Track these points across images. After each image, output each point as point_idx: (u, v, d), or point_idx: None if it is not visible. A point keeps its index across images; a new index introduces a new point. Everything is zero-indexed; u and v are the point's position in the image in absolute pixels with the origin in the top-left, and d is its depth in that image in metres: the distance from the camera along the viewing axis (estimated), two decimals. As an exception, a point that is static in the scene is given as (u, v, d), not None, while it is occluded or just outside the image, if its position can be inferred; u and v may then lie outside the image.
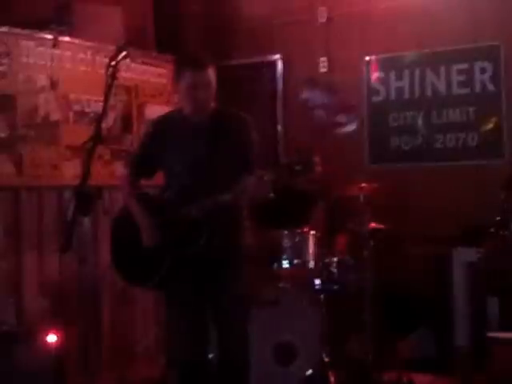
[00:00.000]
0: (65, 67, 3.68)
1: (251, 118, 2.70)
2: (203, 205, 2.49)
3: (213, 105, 2.64)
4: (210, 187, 2.50)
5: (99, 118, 2.30)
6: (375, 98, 4.42)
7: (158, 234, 2.57)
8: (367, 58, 4.43)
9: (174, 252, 2.53)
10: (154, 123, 2.77)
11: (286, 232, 3.48)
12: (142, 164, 2.72)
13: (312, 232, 3.49)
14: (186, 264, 2.56)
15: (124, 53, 2.17)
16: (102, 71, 2.28)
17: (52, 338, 2.76)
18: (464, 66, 4.17)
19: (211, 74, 2.57)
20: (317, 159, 3.89)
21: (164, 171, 2.73)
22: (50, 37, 3.62)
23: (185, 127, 2.61)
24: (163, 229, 2.56)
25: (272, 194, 2.43)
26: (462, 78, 4.18)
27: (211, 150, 2.58)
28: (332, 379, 3.26)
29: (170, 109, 3.04)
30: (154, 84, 4.21)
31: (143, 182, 2.78)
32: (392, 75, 4.37)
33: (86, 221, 1.98)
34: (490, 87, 4.10)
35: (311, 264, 3.46)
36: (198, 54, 2.64)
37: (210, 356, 2.69)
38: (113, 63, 2.14)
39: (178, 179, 2.61)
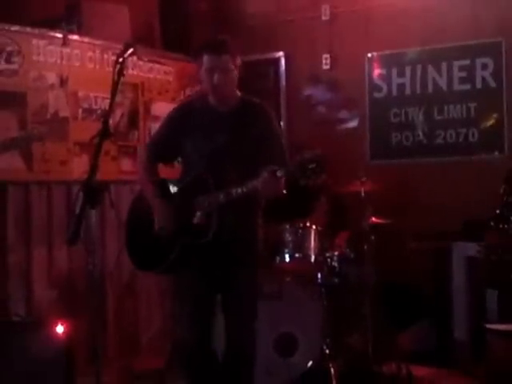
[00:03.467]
0: (74, 65, 3.75)
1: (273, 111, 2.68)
2: (217, 197, 2.46)
3: (237, 93, 2.63)
4: (227, 179, 2.49)
5: (106, 114, 2.33)
6: (377, 94, 4.46)
7: (171, 218, 2.53)
8: (369, 55, 4.47)
9: (184, 240, 2.51)
10: (177, 108, 2.74)
11: (287, 226, 3.48)
12: (159, 149, 2.69)
13: (313, 226, 3.49)
14: (195, 253, 2.54)
15: (131, 50, 2.16)
16: (110, 69, 2.28)
17: (60, 328, 2.82)
18: (465, 62, 4.19)
19: (229, 59, 2.54)
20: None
21: (182, 159, 2.71)
22: (59, 35, 3.69)
23: (207, 115, 2.59)
24: (176, 215, 2.54)
25: (285, 192, 2.42)
26: (463, 74, 4.21)
27: (231, 141, 2.54)
28: (332, 371, 3.25)
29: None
30: (160, 81, 4.27)
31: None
32: (394, 72, 4.40)
33: (93, 214, 2.01)
34: (491, 83, 4.13)
35: (313, 258, 3.46)
36: (216, 39, 2.63)
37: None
38: (120, 60, 2.13)
39: (196, 168, 2.58)
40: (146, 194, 2.65)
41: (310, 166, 2.26)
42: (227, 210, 2.48)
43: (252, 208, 2.63)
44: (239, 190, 2.42)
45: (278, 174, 2.33)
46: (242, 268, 2.59)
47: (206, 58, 2.55)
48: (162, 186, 2.67)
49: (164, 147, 2.70)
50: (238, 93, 2.67)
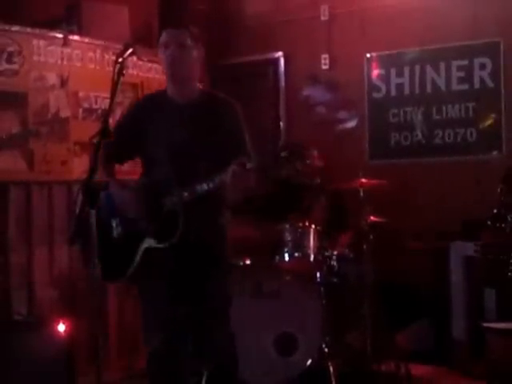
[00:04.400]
0: (74, 65, 3.76)
1: (240, 105, 2.49)
2: (181, 195, 2.29)
3: (198, 85, 2.47)
4: (191, 176, 2.31)
5: (106, 113, 2.30)
6: (376, 95, 4.47)
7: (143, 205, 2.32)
8: (368, 55, 4.48)
9: (149, 242, 2.32)
10: (137, 103, 2.60)
11: (287, 226, 3.49)
12: (116, 146, 2.44)
13: (313, 226, 3.50)
14: (159, 259, 2.36)
15: (130, 50, 2.13)
16: (110, 69, 2.26)
17: (61, 328, 2.83)
18: (464, 62, 4.20)
19: (188, 36, 2.39)
20: (313, 152, 3.96)
21: (142, 158, 2.52)
22: (60, 36, 3.70)
23: (166, 108, 2.41)
24: (139, 216, 2.34)
25: (266, 187, 2.30)
26: (461, 74, 4.21)
27: (193, 136, 2.36)
28: (331, 369, 3.27)
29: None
30: (159, 81, 4.24)
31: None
32: (392, 72, 4.42)
33: (93, 214, 1.99)
34: (490, 83, 4.13)
35: (312, 257, 3.47)
36: (174, 15, 2.58)
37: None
38: (120, 60, 2.11)
39: (158, 167, 2.40)
40: (112, 188, 2.45)
41: (283, 155, 2.12)
42: (193, 210, 2.31)
43: (219, 207, 2.46)
44: (205, 186, 2.26)
45: (248, 165, 2.14)
46: (211, 275, 2.41)
47: (163, 34, 2.41)
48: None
49: (119, 146, 2.47)
50: (200, 85, 2.51)
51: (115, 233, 2.45)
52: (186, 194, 2.30)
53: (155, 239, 2.34)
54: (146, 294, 2.51)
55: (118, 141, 2.41)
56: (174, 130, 2.40)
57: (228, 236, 2.53)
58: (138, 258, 2.37)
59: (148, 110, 2.47)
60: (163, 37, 2.40)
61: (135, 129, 2.48)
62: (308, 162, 3.85)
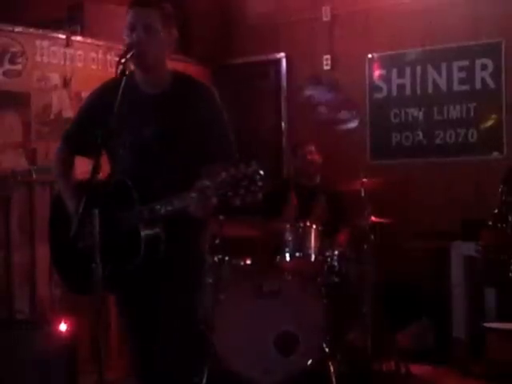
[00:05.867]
0: (77, 66, 3.78)
1: (216, 90, 2.17)
2: (141, 214, 1.97)
3: (168, 69, 2.14)
4: (160, 178, 2.05)
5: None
6: (377, 95, 4.49)
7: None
8: (369, 56, 4.49)
9: (108, 265, 1.90)
10: (99, 89, 2.20)
11: (288, 225, 3.51)
12: (77, 138, 2.18)
13: (314, 226, 3.51)
14: (120, 281, 2.05)
15: (133, 51, 1.99)
16: (113, 70, 2.17)
17: (63, 327, 2.85)
18: (465, 62, 4.21)
19: (157, 17, 2.05)
20: (310, 147, 3.94)
21: (106, 151, 2.12)
22: (62, 36, 3.72)
23: (132, 98, 2.04)
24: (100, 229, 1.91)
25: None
26: (462, 74, 4.23)
27: (163, 133, 2.07)
28: (332, 369, 3.27)
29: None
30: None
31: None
32: (394, 72, 4.43)
33: (96, 213, 1.95)
34: (491, 84, 4.14)
35: (313, 257, 3.48)
36: None
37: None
38: (122, 61, 1.99)
39: (122, 165, 2.12)
40: (64, 197, 2.20)
41: (243, 184, 1.79)
42: (166, 226, 2.01)
43: (190, 223, 2.04)
44: (163, 209, 1.94)
45: (208, 193, 1.84)
46: (174, 307, 2.11)
47: (129, 13, 2.07)
48: (82, 188, 2.08)
49: (81, 136, 2.16)
50: (169, 69, 2.16)
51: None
52: (145, 213, 1.99)
53: (116, 262, 2.00)
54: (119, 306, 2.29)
55: (78, 130, 2.20)
56: (141, 125, 2.08)
57: (204, 254, 2.27)
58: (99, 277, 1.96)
59: (112, 96, 2.01)
60: (129, 16, 2.06)
61: (96, 117, 2.11)
62: (309, 158, 3.89)
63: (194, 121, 2.09)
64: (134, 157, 2.09)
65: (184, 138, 2.09)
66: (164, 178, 2.07)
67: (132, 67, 2.10)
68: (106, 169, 2.20)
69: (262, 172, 1.81)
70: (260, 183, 1.80)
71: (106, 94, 2.14)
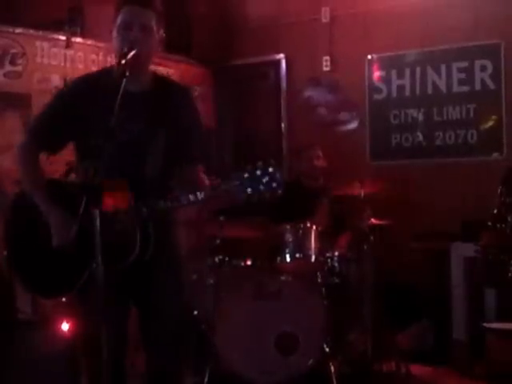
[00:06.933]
0: (77, 67, 3.79)
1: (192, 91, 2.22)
2: (139, 211, 1.93)
3: (150, 69, 2.14)
4: (146, 175, 2.05)
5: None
6: (377, 96, 4.50)
7: (73, 233, 1.95)
8: (369, 57, 4.51)
9: (93, 263, 1.83)
10: (74, 83, 2.19)
11: (288, 226, 3.51)
12: (46, 132, 2.11)
13: (314, 227, 3.52)
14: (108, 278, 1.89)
15: (133, 52, 1.98)
16: None
17: (65, 327, 2.86)
18: (464, 64, 4.23)
19: (154, 19, 2.07)
20: (318, 151, 3.96)
21: (76, 148, 2.13)
22: (63, 38, 3.73)
23: (113, 93, 1.92)
24: (81, 229, 1.92)
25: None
26: (462, 75, 4.24)
27: (147, 132, 2.06)
28: (332, 369, 3.27)
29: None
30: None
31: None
32: (393, 73, 4.44)
33: (97, 213, 1.94)
34: (490, 85, 4.16)
35: (313, 258, 3.48)
36: None
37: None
38: (122, 62, 1.97)
39: (109, 162, 1.94)
40: (35, 197, 2.08)
41: (264, 180, 1.82)
42: (149, 226, 2.00)
43: (173, 223, 2.15)
44: (168, 204, 1.94)
45: (223, 186, 1.87)
46: (166, 301, 2.15)
47: (124, 11, 2.04)
48: (53, 186, 2.11)
49: (50, 132, 2.11)
50: (150, 69, 2.17)
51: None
52: (144, 209, 1.95)
53: (104, 260, 1.87)
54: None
55: (48, 124, 2.13)
56: (124, 124, 2.02)
57: (182, 253, 2.25)
58: (81, 280, 1.99)
59: (88, 91, 2.06)
60: (125, 15, 2.05)
61: (70, 112, 2.09)
62: (315, 163, 3.89)
63: (175, 120, 2.12)
64: (120, 154, 2.03)
65: (167, 137, 2.10)
66: (149, 176, 2.08)
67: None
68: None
69: (279, 171, 1.85)
70: (280, 180, 1.83)
71: (77, 91, 2.13)
